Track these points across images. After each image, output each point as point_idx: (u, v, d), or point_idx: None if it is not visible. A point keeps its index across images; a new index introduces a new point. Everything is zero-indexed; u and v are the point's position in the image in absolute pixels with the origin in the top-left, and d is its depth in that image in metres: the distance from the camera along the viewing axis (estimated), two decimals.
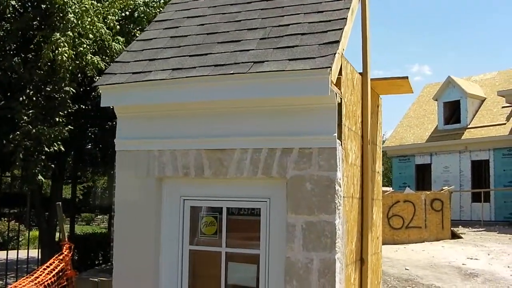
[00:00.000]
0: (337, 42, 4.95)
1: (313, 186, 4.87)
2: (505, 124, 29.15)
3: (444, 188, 23.24)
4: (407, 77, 6.37)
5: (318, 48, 4.94)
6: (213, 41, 5.62)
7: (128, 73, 5.52)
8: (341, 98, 4.98)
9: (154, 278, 5.42)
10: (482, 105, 31.87)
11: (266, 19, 5.76)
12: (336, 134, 4.85)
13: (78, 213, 19.55)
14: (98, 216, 50.92)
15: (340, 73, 5.03)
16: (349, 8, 5.50)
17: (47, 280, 7.85)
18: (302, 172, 4.91)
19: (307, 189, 4.88)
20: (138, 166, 5.54)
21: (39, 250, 14.92)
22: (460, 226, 25.69)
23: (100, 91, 5.66)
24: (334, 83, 4.81)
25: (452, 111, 32.41)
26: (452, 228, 21.37)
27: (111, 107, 5.79)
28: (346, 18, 5.33)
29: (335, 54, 4.77)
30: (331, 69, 4.64)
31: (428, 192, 21.89)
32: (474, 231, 24.44)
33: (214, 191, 5.37)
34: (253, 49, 5.24)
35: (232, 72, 4.94)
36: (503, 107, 30.05)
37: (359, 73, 5.99)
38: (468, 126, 30.85)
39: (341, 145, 4.97)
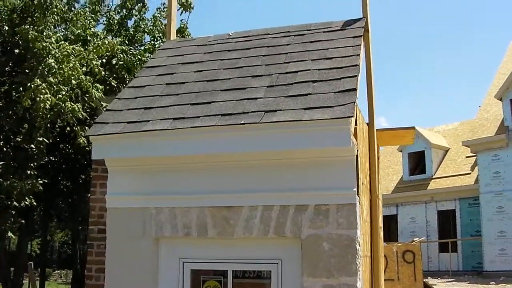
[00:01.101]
0: (354, 90, 4.63)
1: (332, 246, 4.46)
2: (470, 173, 29.40)
3: (415, 239, 23.01)
4: (413, 128, 6.09)
5: (335, 97, 4.60)
6: (215, 88, 5.24)
7: (122, 122, 5.07)
8: (357, 150, 4.64)
9: None
10: (446, 155, 32.19)
11: (271, 66, 5.42)
12: (355, 189, 4.47)
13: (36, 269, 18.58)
14: (56, 271, 49.22)
15: (355, 123, 4.70)
16: (359, 54, 5.22)
17: None
18: (318, 230, 4.50)
19: (325, 249, 4.46)
20: (132, 225, 5.04)
21: None
22: (429, 277, 25.47)
23: (92, 142, 5.17)
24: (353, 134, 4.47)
25: (417, 162, 32.62)
26: (424, 280, 21.08)
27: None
28: (358, 65, 5.03)
29: (354, 102, 4.44)
30: (352, 119, 4.31)
31: (400, 244, 21.58)
32: (445, 281, 24.27)
33: (218, 253, 4.89)
34: (261, 97, 4.87)
35: (243, 122, 4.54)
36: (467, 156, 30.37)
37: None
38: (433, 177, 31.03)
39: (359, 201, 4.60)
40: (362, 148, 5.11)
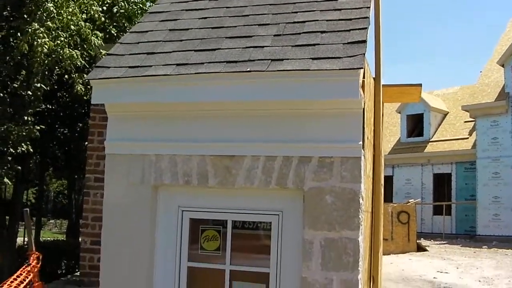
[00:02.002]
0: (364, 42, 4.49)
1: (334, 199, 4.39)
2: (467, 138, 29.41)
3: (410, 201, 23.15)
4: (420, 85, 5.96)
5: (343, 48, 4.47)
6: (220, 35, 5.09)
7: (124, 67, 4.93)
8: (364, 103, 4.53)
9: None
10: (444, 119, 32.14)
11: (278, 15, 5.26)
12: (361, 143, 4.38)
13: (31, 218, 18.64)
14: (50, 221, 49.51)
15: (363, 76, 4.57)
16: (369, 7, 5.07)
17: None
18: (322, 183, 4.42)
19: (328, 203, 4.40)
20: (131, 172, 4.95)
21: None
22: (422, 238, 25.70)
23: (92, 86, 5.05)
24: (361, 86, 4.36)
25: (415, 124, 32.58)
26: (417, 241, 21.29)
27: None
28: (368, 17, 4.89)
29: (363, 54, 4.32)
30: (361, 71, 4.19)
31: (395, 205, 21.76)
32: (437, 244, 24.49)
33: (218, 203, 4.83)
34: (268, 46, 4.73)
35: (248, 69, 4.41)
36: (465, 121, 30.33)
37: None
38: (431, 140, 31.03)
39: (364, 155, 4.51)
40: (368, 103, 5.01)
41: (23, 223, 20.63)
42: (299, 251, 4.48)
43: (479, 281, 15.10)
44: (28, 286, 7.73)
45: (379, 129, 5.58)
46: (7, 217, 15.39)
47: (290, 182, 4.49)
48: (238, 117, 4.65)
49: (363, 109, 4.49)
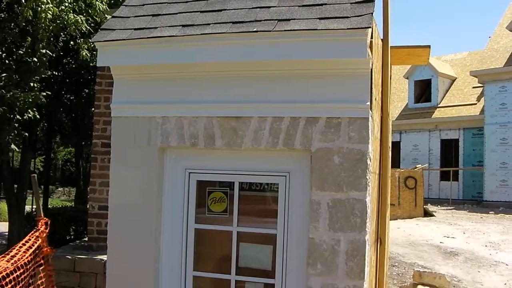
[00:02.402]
0: (372, 1, 4.41)
1: (342, 159, 4.37)
2: (475, 104, 29.24)
3: (417, 166, 23.14)
4: (429, 46, 5.89)
5: (351, 7, 4.40)
6: None
7: (130, 29, 4.88)
8: (372, 64, 4.48)
9: (155, 261, 4.87)
10: (452, 85, 31.92)
11: None
12: (369, 103, 4.35)
13: (39, 186, 18.73)
14: (59, 189, 49.84)
15: (371, 36, 4.51)
16: None
17: (24, 259, 7.25)
18: (329, 144, 4.40)
19: (335, 163, 4.38)
20: (138, 134, 4.94)
21: (8, 224, 14.24)
22: (429, 204, 25.72)
23: (97, 48, 5.01)
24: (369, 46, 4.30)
25: (423, 90, 32.39)
26: (424, 206, 21.33)
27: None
28: None
29: (372, 14, 4.25)
30: (369, 30, 4.13)
31: (402, 170, 21.76)
32: (444, 209, 24.53)
33: (225, 164, 4.82)
34: (274, 6, 4.66)
35: (255, 29, 4.36)
36: (474, 87, 30.12)
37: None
38: (439, 105, 30.87)
39: (371, 115, 4.48)
40: (376, 64, 4.95)
41: (31, 191, 20.74)
42: (306, 212, 4.48)
43: (486, 246, 15.14)
44: (37, 251, 7.76)
45: (387, 91, 5.53)
46: (15, 186, 15.46)
47: (297, 143, 4.48)
48: (245, 78, 4.62)
49: (371, 69, 4.44)
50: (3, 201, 23.87)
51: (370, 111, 4.38)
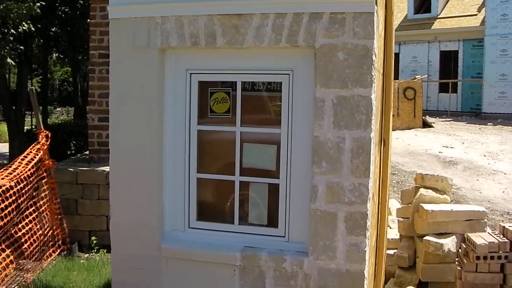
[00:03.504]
0: None
1: (347, 56, 4.26)
2: (476, 15, 28.75)
3: (416, 77, 22.97)
4: None
5: None
6: None
7: None
8: None
9: (158, 165, 4.85)
10: None
11: None
12: None
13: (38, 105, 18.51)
14: (57, 109, 49.65)
15: None
16: None
17: (25, 172, 7.26)
18: (333, 40, 4.28)
19: (340, 60, 4.28)
20: (137, 35, 4.79)
21: (9, 142, 14.23)
22: (427, 116, 25.69)
23: None
24: None
25: (423, 0, 31.73)
26: (423, 117, 21.33)
27: None
28: None
29: None
30: None
31: (402, 81, 21.62)
32: (443, 121, 24.57)
33: (227, 63, 4.71)
34: None
35: None
36: None
37: None
38: (439, 16, 30.34)
39: (376, 11, 4.34)
40: None
41: (30, 112, 20.66)
42: (310, 110, 4.41)
43: (484, 155, 15.25)
44: (39, 164, 7.78)
45: None
46: (13, 107, 15.35)
47: (301, 40, 4.36)
48: None
49: None
50: (3, 123, 23.83)
51: (375, 6, 4.24)
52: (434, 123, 22.42)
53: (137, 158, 4.85)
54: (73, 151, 13.96)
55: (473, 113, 27.49)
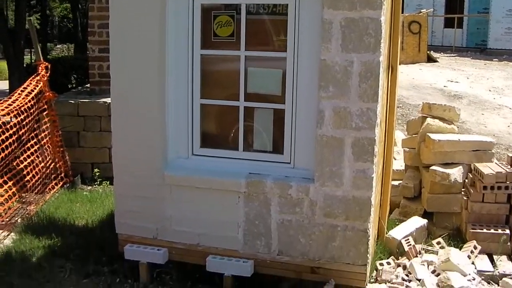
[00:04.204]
0: None
1: None
2: None
3: (422, 10, 22.51)
4: None
5: None
6: None
7: None
8: None
9: (159, 92, 4.73)
10: None
11: None
12: None
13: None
14: (57, 46, 49.15)
15: None
16: None
17: (25, 104, 7.14)
18: None
19: None
20: None
21: (8, 78, 14.08)
22: (432, 51, 25.32)
23: None
24: None
25: None
26: (427, 52, 21.02)
27: None
28: None
29: None
30: None
31: (407, 14, 21.20)
32: (447, 56, 24.24)
33: None
34: None
35: None
36: None
37: None
38: None
39: None
40: None
41: (29, 49, 20.36)
42: (317, 32, 4.27)
43: (489, 90, 15.06)
44: (39, 96, 7.65)
45: None
46: (13, 43, 15.12)
47: None
48: None
49: None
50: (3, 61, 23.59)
51: None
52: (438, 58, 22.10)
53: (138, 86, 4.72)
54: (73, 85, 13.80)
55: (479, 48, 27.08)
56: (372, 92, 4.17)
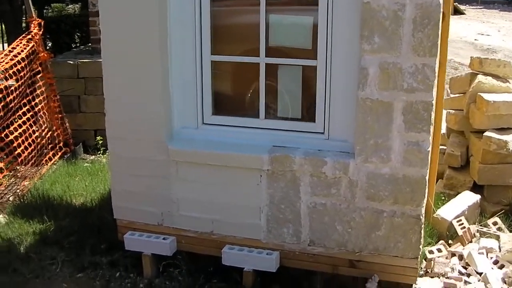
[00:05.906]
0: None
1: None
2: None
3: None
4: None
5: None
6: None
7: None
8: None
9: (161, 45, 3.88)
10: None
11: None
12: None
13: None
14: (69, 6, 48.32)
15: None
16: None
17: (14, 67, 6.31)
18: None
19: None
20: None
21: (7, 38, 13.32)
22: (456, 3, 24.22)
23: None
24: None
25: None
26: (454, 3, 19.99)
27: None
28: None
29: None
30: None
31: None
32: (473, 8, 23.33)
33: None
34: None
35: None
36: None
37: None
38: None
39: None
40: None
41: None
42: None
43: None
44: (32, 57, 6.82)
45: None
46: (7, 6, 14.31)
47: None
48: None
49: None
50: None
51: None
52: (465, 10, 21.12)
53: (135, 39, 3.87)
54: (77, 44, 12.97)
55: (506, 0, 25.94)
56: (430, 44, 3.30)
